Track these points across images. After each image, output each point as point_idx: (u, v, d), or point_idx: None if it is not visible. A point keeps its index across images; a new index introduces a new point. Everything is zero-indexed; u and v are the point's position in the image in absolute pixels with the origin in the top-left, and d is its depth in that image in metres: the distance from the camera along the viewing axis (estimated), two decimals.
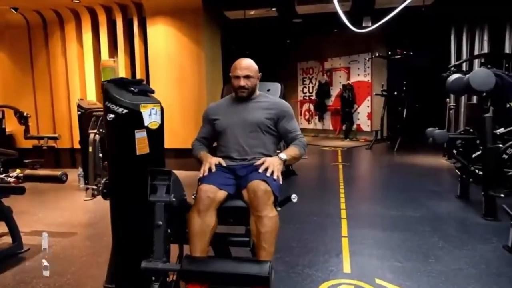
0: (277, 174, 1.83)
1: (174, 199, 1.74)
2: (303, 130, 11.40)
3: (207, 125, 2.18)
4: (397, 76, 8.53)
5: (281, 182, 1.85)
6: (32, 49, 6.45)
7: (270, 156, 2.01)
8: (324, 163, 6.86)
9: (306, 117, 11.40)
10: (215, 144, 2.20)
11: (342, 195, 4.25)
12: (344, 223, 3.26)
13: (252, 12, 7.41)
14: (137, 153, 1.90)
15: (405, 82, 8.15)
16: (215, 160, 1.97)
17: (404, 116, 8.02)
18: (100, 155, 4.39)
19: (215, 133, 2.12)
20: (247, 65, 2.03)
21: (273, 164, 1.85)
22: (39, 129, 6.41)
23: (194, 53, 5.82)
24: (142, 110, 1.94)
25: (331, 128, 10.71)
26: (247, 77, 2.02)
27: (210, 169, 1.92)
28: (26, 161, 5.58)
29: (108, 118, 1.85)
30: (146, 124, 1.96)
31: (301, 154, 2.04)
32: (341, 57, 10.28)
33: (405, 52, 7.93)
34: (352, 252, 2.63)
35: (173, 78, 5.88)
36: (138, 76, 6.08)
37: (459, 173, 4.04)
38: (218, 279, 1.67)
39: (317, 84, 10.78)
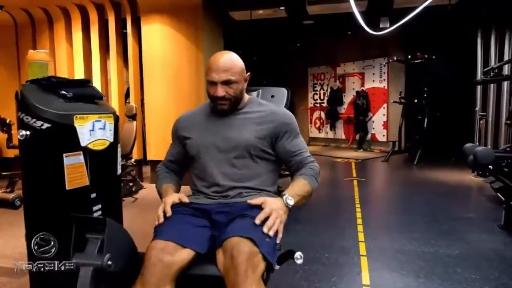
0: (279, 229, 1.20)
1: (110, 263, 1.12)
2: (313, 139, 10.92)
3: (177, 144, 1.54)
4: (416, 82, 7.83)
5: (279, 241, 1.21)
6: (20, 51, 5.97)
7: (266, 191, 1.38)
8: (337, 178, 6.19)
9: (317, 125, 10.74)
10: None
11: (359, 221, 3.58)
12: (364, 264, 2.59)
13: (261, 12, 6.85)
14: (67, 187, 1.30)
15: (426, 89, 7.45)
16: (174, 198, 1.33)
17: (425, 125, 7.31)
18: None
19: (187, 155, 1.49)
20: (226, 65, 1.36)
21: (278, 213, 1.20)
22: None
23: (192, 55, 5.24)
24: (77, 123, 1.33)
25: (343, 137, 10.03)
26: (227, 83, 1.36)
27: (168, 217, 1.28)
28: (5, 173, 5.07)
29: (19, 137, 1.25)
30: (84, 143, 1.35)
31: (313, 190, 1.39)
32: (355, 62, 9.63)
33: (426, 56, 7.23)
34: None
35: (168, 82, 5.31)
36: (131, 80, 5.53)
37: (501, 197, 3.35)
38: None
39: (328, 90, 10.14)
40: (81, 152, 1.33)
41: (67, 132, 1.29)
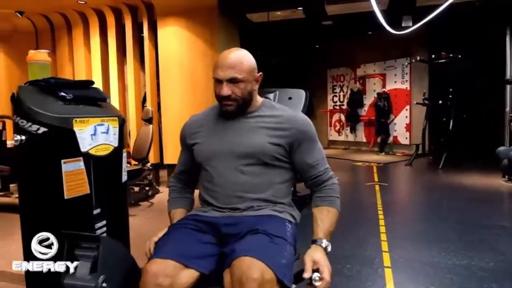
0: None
1: (105, 285, 1.01)
2: (332, 142, 10.69)
3: (185, 151, 1.41)
4: (441, 83, 7.53)
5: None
6: None
7: (280, 204, 1.25)
8: (358, 183, 5.98)
9: (337, 128, 10.51)
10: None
11: (382, 229, 3.39)
12: (389, 276, 2.41)
13: (279, 13, 6.73)
14: (66, 196, 1.21)
15: (451, 90, 7.14)
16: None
17: (450, 128, 7.00)
18: None
19: (196, 163, 1.36)
20: (233, 62, 1.22)
21: (329, 268, 1.09)
22: None
23: (208, 58, 5.16)
24: (76, 127, 1.23)
25: (364, 140, 9.77)
26: (233, 81, 1.22)
27: (170, 230, 1.18)
28: None
29: (14, 142, 1.16)
30: (84, 149, 1.26)
31: (338, 215, 1.28)
32: (376, 63, 9.38)
33: (451, 55, 6.93)
34: None
35: (185, 85, 5.26)
36: (148, 84, 5.50)
37: None
38: None
39: (348, 92, 9.91)
40: (81, 158, 1.24)
41: (65, 137, 1.20)
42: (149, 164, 4.80)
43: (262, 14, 6.48)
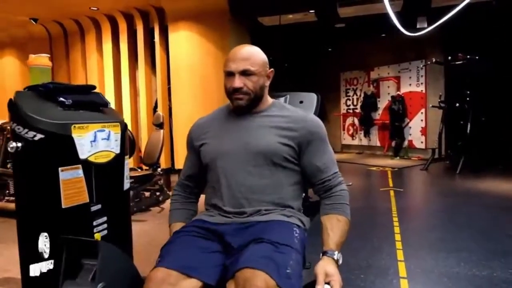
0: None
1: None
2: (346, 146, 10.52)
3: (192, 154, 1.37)
4: (458, 85, 7.32)
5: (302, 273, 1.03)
6: (54, 62, 6.12)
7: (289, 208, 1.20)
8: (372, 188, 5.84)
9: (350, 132, 10.36)
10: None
11: (397, 237, 3.27)
12: None
13: (291, 16, 6.67)
14: (64, 205, 1.16)
15: (468, 92, 6.94)
16: None
17: (468, 131, 6.79)
18: None
19: (203, 166, 1.32)
20: (246, 54, 1.21)
21: (340, 283, 1.05)
22: None
23: (219, 62, 5.13)
24: (75, 134, 1.19)
25: (378, 144, 9.59)
26: (245, 73, 1.20)
27: (173, 238, 1.13)
28: None
29: (9, 149, 1.12)
30: (83, 156, 1.21)
31: (349, 223, 1.22)
32: (390, 66, 9.21)
33: (468, 56, 6.74)
34: None
35: (196, 90, 5.24)
36: (159, 89, 5.50)
37: None
38: None
39: (362, 95, 9.77)
40: (80, 166, 1.19)
41: (63, 144, 1.15)
42: (160, 169, 4.78)
43: (273, 17, 6.43)
